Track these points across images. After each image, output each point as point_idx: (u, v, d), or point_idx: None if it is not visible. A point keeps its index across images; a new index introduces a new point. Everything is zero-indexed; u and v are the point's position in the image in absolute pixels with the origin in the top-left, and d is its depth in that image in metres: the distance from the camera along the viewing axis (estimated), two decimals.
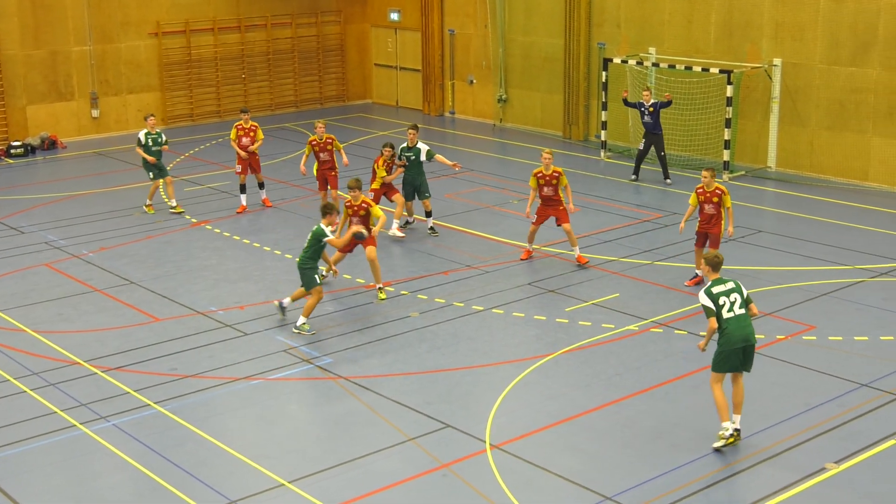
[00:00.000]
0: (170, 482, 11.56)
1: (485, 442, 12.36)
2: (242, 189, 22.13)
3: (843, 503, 11.04)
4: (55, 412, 13.20)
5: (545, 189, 18.24)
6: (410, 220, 20.84)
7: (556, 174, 18.20)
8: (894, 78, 22.79)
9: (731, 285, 11.98)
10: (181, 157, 27.52)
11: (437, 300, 16.91)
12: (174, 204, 22.06)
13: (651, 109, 23.55)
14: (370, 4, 34.74)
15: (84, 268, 18.73)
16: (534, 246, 18.87)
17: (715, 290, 11.89)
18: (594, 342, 15.23)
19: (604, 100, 26.69)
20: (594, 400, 13.45)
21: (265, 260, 19.03)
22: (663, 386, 13.75)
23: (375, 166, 19.91)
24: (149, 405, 13.41)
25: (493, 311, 16.48)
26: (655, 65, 25.87)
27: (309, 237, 15.77)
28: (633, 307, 16.44)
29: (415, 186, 20.33)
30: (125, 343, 15.40)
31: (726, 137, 24.28)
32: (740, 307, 11.88)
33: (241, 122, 21.97)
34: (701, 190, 17.01)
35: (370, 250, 16.81)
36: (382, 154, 19.89)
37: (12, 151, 27.96)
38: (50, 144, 28.84)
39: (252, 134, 21.90)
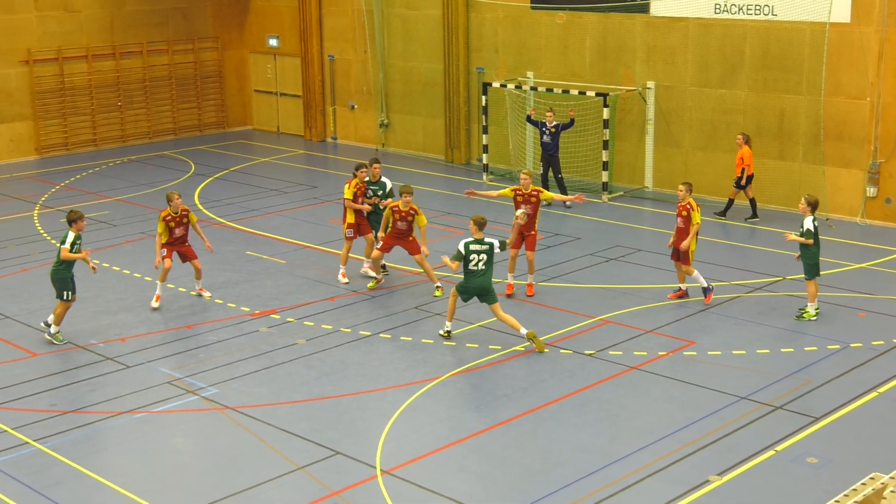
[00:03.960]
0: None
1: (375, 468, 12.32)
2: None
3: None
4: None
5: (524, 206, 17.82)
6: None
7: (536, 192, 17.98)
8: (761, 99, 23.61)
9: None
10: (56, 186, 26.82)
11: (323, 326, 16.82)
12: None
13: (553, 130, 23.94)
14: (248, 31, 34.49)
15: None
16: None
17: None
18: (481, 364, 15.34)
19: (484, 123, 26.99)
20: (483, 421, 13.54)
21: (145, 290, 18.66)
22: (550, 405, 13.92)
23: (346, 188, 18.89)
24: (28, 443, 13.00)
25: (381, 335, 16.47)
26: (534, 88, 26.30)
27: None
28: None
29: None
30: (1, 380, 14.90)
31: (604, 159, 24.80)
32: None
33: (170, 210, 17.61)
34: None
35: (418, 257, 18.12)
36: (356, 176, 18.97)
37: None
38: None
39: (185, 220, 17.89)
